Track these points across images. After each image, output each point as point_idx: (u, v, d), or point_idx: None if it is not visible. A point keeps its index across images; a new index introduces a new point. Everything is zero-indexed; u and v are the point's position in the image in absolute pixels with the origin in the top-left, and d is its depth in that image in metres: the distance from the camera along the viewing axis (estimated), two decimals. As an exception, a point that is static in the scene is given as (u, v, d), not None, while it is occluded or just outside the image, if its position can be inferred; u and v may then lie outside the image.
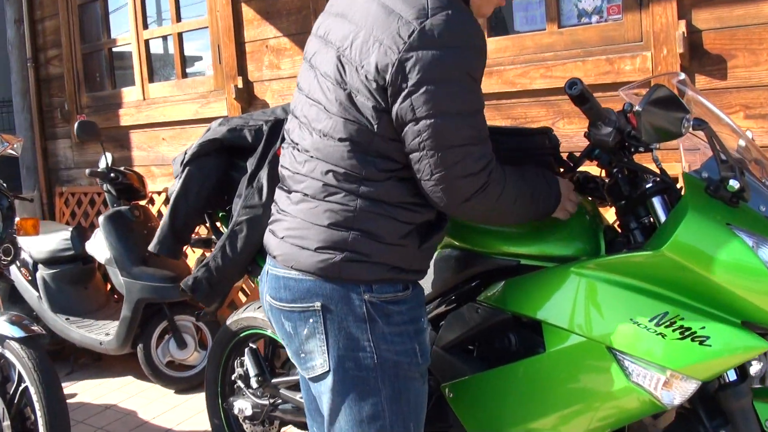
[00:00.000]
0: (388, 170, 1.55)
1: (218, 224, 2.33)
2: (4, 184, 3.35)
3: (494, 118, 3.16)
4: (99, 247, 4.06)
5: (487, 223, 1.84)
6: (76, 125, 3.95)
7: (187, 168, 2.22)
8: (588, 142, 1.80)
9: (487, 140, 1.54)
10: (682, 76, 1.97)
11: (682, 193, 1.72)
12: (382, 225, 1.56)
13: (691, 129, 1.65)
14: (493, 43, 3.17)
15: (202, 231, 2.89)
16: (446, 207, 1.57)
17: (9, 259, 3.00)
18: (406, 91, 1.45)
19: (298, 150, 1.65)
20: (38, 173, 5.54)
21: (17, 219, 3.28)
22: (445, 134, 1.47)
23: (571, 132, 2.94)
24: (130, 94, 4.89)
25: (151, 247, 2.26)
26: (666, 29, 2.72)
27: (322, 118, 1.59)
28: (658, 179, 1.77)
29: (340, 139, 1.54)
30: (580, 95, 1.66)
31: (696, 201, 1.64)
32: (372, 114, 1.51)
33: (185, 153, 2.21)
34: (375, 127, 1.51)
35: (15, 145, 3.69)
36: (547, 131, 1.96)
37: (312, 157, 1.60)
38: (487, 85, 3.08)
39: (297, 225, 1.61)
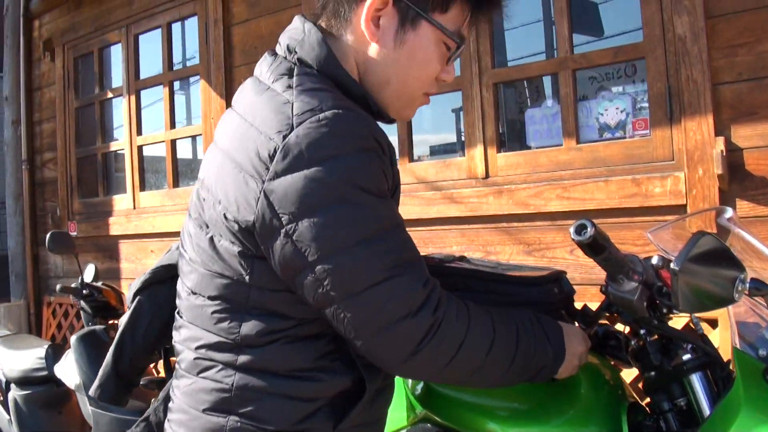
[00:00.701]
0: (273, 331, 1.15)
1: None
2: None
3: (505, 242, 2.78)
4: (69, 370, 3.66)
5: (463, 385, 1.39)
6: (47, 236, 3.64)
7: (137, 298, 1.87)
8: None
9: (417, 263, 1.13)
10: (730, 212, 1.56)
11: (733, 374, 1.31)
12: (270, 406, 1.15)
13: (746, 292, 1.25)
14: (503, 159, 2.83)
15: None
16: (392, 369, 1.18)
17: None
18: (283, 231, 1.07)
19: (177, 313, 1.30)
20: (27, 281, 5.23)
21: None
22: (352, 275, 1.08)
23: (592, 262, 2.53)
24: (121, 202, 4.62)
25: (91, 392, 1.88)
26: (701, 147, 2.36)
27: (187, 272, 1.24)
28: (698, 350, 1.36)
29: (210, 297, 1.18)
30: (593, 243, 1.23)
31: (751, 392, 1.23)
32: (240, 262, 1.13)
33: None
34: (247, 278, 1.14)
35: None
36: (559, 277, 1.52)
37: (185, 320, 1.25)
38: (497, 206, 2.72)
39: (177, 407, 1.26)
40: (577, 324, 1.43)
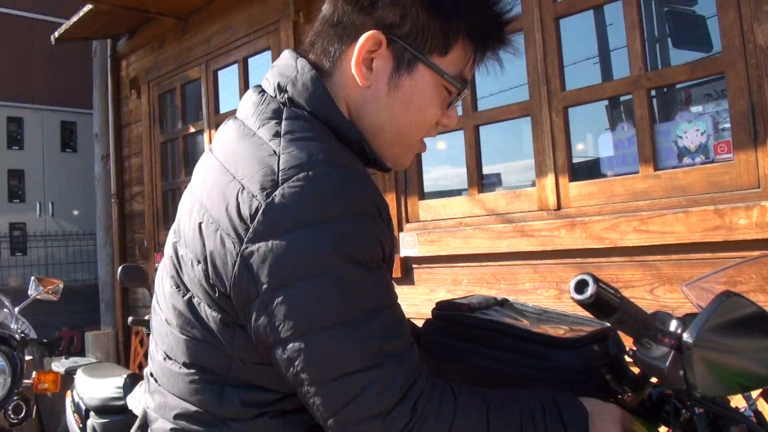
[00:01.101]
0: (258, 404, 1.04)
1: None
2: (23, 334, 3.13)
3: (578, 278, 2.62)
4: (139, 400, 3.71)
5: None
6: (119, 269, 3.72)
7: None
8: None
9: (403, 353, 0.97)
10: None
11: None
12: None
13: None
14: (575, 189, 2.67)
15: None
16: None
17: (20, 417, 2.74)
18: (258, 301, 0.94)
19: (150, 375, 1.17)
20: (116, 310, 5.39)
21: (35, 373, 3.04)
22: (326, 359, 0.94)
23: (675, 302, 2.35)
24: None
25: None
26: (792, 173, 2.15)
27: (161, 333, 1.10)
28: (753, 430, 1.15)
29: (186, 364, 1.05)
30: (598, 303, 1.00)
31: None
32: (221, 330, 1.01)
33: None
34: (228, 348, 1.01)
35: (52, 288, 3.50)
36: (605, 336, 1.28)
37: (160, 386, 1.11)
38: (570, 240, 2.57)
39: None
40: (627, 390, 1.21)
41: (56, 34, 5.36)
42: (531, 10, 2.81)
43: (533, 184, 2.85)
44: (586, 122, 3.34)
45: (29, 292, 3.56)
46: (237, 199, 0.95)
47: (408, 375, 0.96)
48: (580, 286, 0.99)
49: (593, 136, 3.44)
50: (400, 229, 3.30)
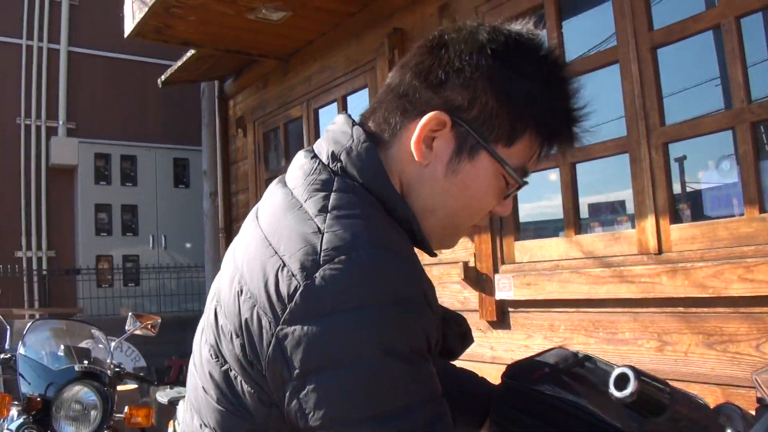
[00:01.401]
0: None
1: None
2: (118, 368, 3.24)
3: (681, 331, 2.45)
4: None
5: None
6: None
7: None
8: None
9: None
10: None
11: None
12: None
13: None
14: (677, 232, 2.51)
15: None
16: None
17: (110, 451, 2.85)
18: (291, 385, 0.90)
19: None
20: (224, 342, 5.54)
21: (128, 408, 3.13)
22: None
23: (790, 358, 2.15)
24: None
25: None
26: None
27: (200, 399, 1.06)
28: None
29: None
30: (642, 401, 0.89)
31: None
32: (257, 406, 0.96)
33: None
34: (263, 425, 0.97)
35: (151, 323, 3.61)
36: (720, 415, 1.07)
37: None
38: (672, 287, 2.42)
39: None
40: None
41: (162, 77, 5.63)
42: (626, 40, 2.68)
43: (633, 226, 2.70)
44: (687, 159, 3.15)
45: (126, 327, 3.68)
46: (276, 276, 0.91)
47: None
48: (621, 382, 0.89)
49: (692, 173, 3.24)
50: (496, 271, 3.22)
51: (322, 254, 0.89)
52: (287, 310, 0.88)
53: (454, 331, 1.99)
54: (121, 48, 9.40)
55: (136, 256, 9.72)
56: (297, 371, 0.87)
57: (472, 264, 3.33)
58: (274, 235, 0.97)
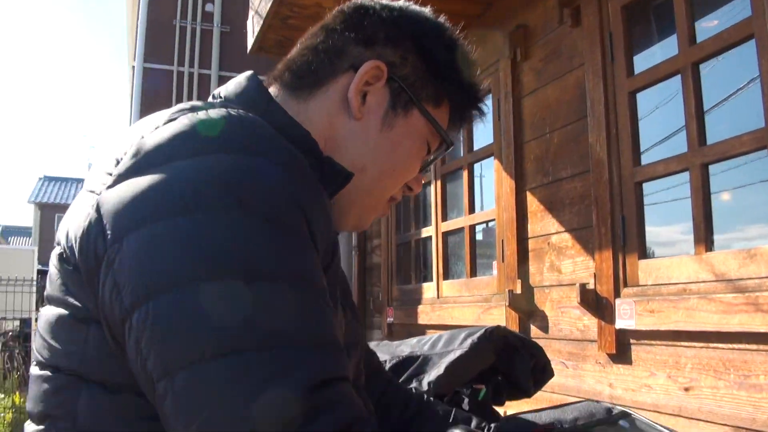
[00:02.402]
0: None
1: None
2: None
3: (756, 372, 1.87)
4: None
5: None
6: None
7: None
8: None
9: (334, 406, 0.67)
10: None
11: None
12: None
13: None
14: None
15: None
16: None
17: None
18: (105, 260, 0.71)
19: None
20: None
21: None
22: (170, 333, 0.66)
23: None
24: (428, 290, 4.45)
25: None
26: None
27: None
28: None
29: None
30: None
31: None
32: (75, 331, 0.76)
33: None
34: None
35: None
36: None
37: None
38: (748, 322, 1.85)
39: None
40: None
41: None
42: (762, 10, 2.14)
43: (775, 242, 2.14)
44: None
45: None
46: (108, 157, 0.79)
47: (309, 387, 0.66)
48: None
49: None
50: (617, 294, 2.73)
51: (167, 118, 0.80)
52: (111, 179, 0.74)
53: (525, 365, 1.69)
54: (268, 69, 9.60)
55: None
56: (110, 236, 0.70)
57: (591, 286, 2.86)
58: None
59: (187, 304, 0.65)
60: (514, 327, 3.37)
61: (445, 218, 4.36)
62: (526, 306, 3.34)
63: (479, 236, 4.15)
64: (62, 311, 0.77)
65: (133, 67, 5.99)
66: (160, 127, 0.77)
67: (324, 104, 0.98)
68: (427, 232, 4.57)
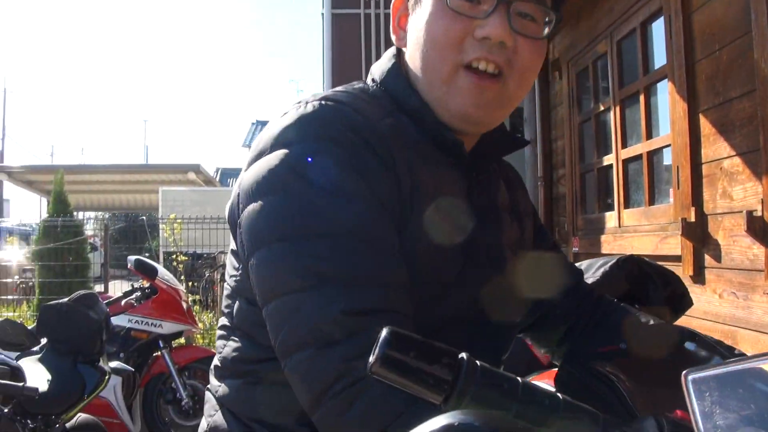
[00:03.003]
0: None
1: None
2: None
3: None
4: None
5: None
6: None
7: None
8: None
9: (350, 282, 0.88)
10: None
11: None
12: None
13: None
14: None
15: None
16: (309, 414, 0.91)
17: None
18: (239, 222, 0.99)
19: None
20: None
21: None
22: (265, 278, 0.93)
23: None
24: (610, 219, 4.36)
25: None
26: None
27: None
28: None
29: None
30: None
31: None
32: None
33: None
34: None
35: None
36: None
37: None
38: None
39: None
40: None
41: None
42: None
43: None
44: None
45: None
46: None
47: (356, 310, 0.86)
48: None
49: None
50: (786, 221, 2.55)
51: (289, 107, 1.00)
52: (245, 164, 1.01)
53: (659, 293, 1.72)
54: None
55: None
56: (242, 206, 0.97)
57: (758, 213, 2.68)
58: None
59: (266, 259, 0.91)
60: (688, 257, 3.25)
61: (624, 145, 4.22)
62: (700, 234, 3.19)
63: (662, 161, 3.97)
64: (233, 248, 1.04)
65: (323, 14, 6.30)
66: (271, 122, 1.01)
67: (403, 52, 1.10)
68: (608, 160, 4.45)
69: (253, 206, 0.93)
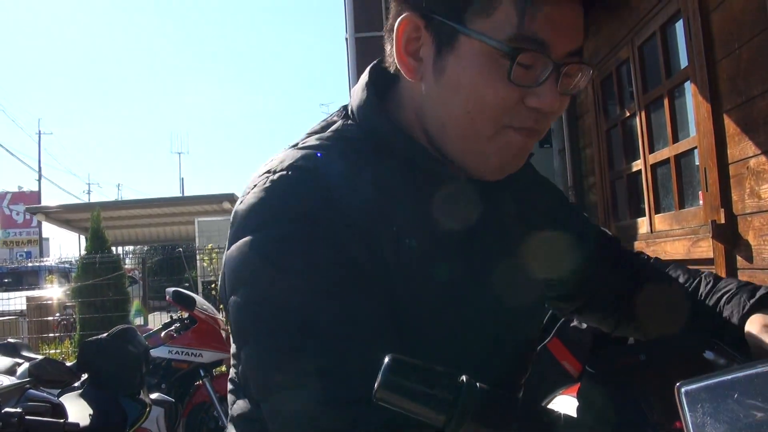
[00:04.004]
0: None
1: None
2: None
3: None
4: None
5: None
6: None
7: None
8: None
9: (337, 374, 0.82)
10: None
11: None
12: None
13: None
14: None
15: None
16: None
17: None
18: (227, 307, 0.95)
19: None
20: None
21: None
22: (255, 372, 0.90)
23: None
24: (642, 225, 4.32)
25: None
26: None
27: None
28: None
29: None
30: None
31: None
32: None
33: None
34: None
35: None
36: None
37: None
38: None
39: None
40: None
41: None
42: None
43: None
44: None
45: None
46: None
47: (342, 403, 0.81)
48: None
49: None
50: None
51: (254, 181, 0.93)
52: (227, 242, 0.93)
53: None
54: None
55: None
56: (228, 292, 0.91)
57: (789, 212, 2.64)
58: None
59: (251, 357, 0.89)
60: (720, 259, 3.20)
61: (651, 150, 4.18)
62: (730, 236, 3.14)
63: (690, 164, 3.92)
64: None
65: (346, 39, 6.37)
66: (243, 195, 0.94)
67: (403, 81, 0.98)
68: (636, 165, 4.41)
69: (233, 299, 0.88)
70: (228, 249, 0.90)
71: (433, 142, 0.97)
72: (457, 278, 0.96)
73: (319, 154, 0.93)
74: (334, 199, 0.87)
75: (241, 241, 0.87)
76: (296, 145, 0.96)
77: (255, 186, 0.91)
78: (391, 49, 0.97)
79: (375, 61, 1.06)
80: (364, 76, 1.02)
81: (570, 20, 0.89)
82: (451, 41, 0.89)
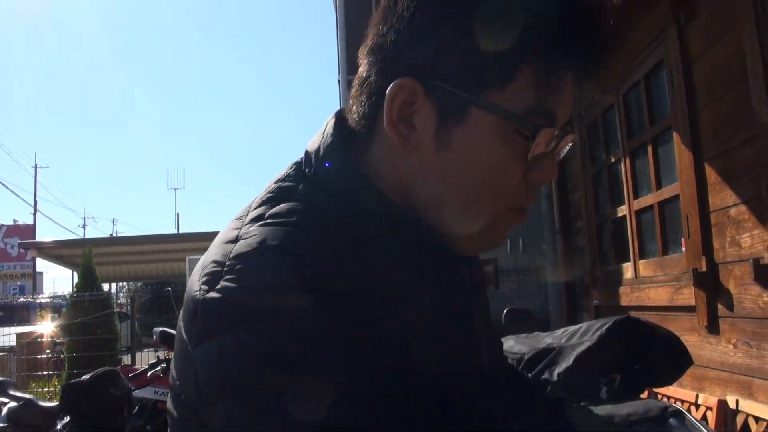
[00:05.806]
0: None
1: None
2: None
3: None
4: None
5: None
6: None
7: None
8: None
9: None
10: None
11: None
12: None
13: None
14: None
15: None
16: None
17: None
18: (205, 413, 0.74)
19: None
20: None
21: None
22: None
23: None
24: (627, 271, 4.34)
25: None
26: None
27: None
28: None
29: None
30: None
31: None
32: None
33: None
34: None
35: None
36: None
37: None
38: None
39: None
40: None
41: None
42: None
43: None
44: None
45: None
46: (187, 296, 0.79)
47: None
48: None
49: None
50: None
51: (227, 264, 0.76)
52: (192, 330, 0.75)
53: (660, 353, 1.72)
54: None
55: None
56: (205, 398, 0.73)
57: (765, 260, 2.67)
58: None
59: None
60: (702, 306, 3.22)
61: (636, 196, 4.22)
62: (712, 284, 3.16)
63: (673, 211, 3.96)
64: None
65: (338, 80, 6.46)
66: (205, 287, 0.76)
67: (384, 147, 0.85)
68: (621, 211, 4.45)
69: (223, 406, 0.72)
70: (198, 345, 0.74)
71: (416, 213, 0.86)
72: (456, 352, 0.89)
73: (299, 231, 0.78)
74: (336, 287, 0.74)
75: (228, 337, 0.71)
76: (268, 220, 0.80)
77: (231, 273, 0.74)
78: (358, 99, 0.87)
79: (338, 110, 0.94)
80: (330, 131, 0.89)
81: (573, 89, 0.81)
82: (460, 113, 0.78)
